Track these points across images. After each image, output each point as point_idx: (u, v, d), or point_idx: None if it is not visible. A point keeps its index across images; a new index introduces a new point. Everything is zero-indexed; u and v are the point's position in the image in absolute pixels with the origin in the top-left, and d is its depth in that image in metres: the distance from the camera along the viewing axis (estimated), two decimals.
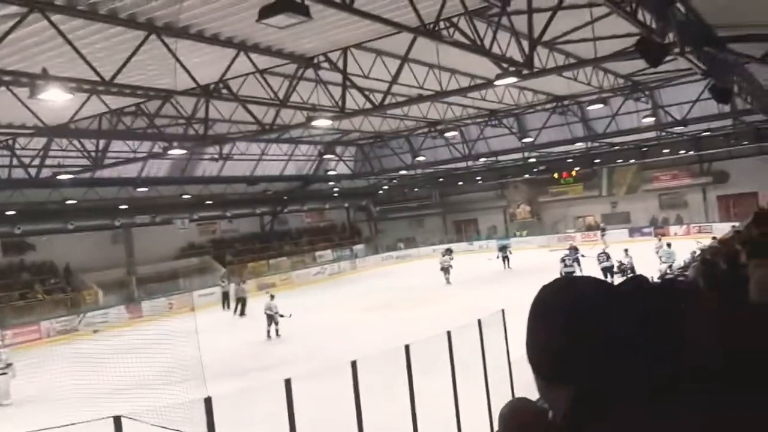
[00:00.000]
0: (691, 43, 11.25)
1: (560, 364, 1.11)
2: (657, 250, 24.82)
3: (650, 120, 25.95)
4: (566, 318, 1.11)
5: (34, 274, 30.54)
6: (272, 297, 22.37)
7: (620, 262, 22.68)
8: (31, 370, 16.41)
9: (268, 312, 21.62)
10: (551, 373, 1.13)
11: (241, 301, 27.81)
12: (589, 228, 43.75)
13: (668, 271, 21.13)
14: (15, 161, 20.63)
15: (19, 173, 21.74)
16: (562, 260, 24.24)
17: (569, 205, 45.73)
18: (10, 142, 19.70)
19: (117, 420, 6.53)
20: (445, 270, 30.57)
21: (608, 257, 23.00)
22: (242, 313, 27.45)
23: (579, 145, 32.61)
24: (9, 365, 15.56)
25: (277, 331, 21.52)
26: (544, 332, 1.14)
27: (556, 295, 1.17)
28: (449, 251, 33.71)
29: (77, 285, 31.03)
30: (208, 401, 6.81)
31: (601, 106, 23.19)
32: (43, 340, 25.25)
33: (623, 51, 13.69)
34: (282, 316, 21.28)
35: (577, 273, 24.11)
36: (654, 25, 11.03)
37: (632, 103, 25.77)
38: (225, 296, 29.96)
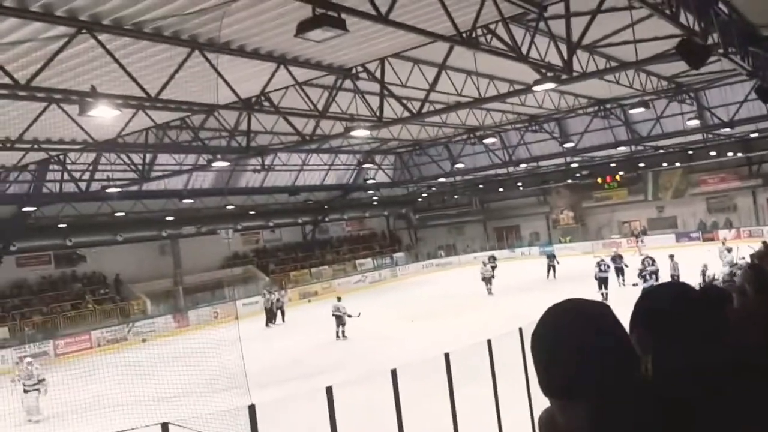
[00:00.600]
0: (734, 43, 11.02)
1: (571, 382, 1.15)
2: (720, 254, 24.36)
3: (696, 122, 25.38)
4: (572, 337, 1.15)
5: (85, 285, 31.47)
6: (339, 299, 23.15)
7: (641, 268, 22.00)
8: (82, 379, 16.91)
9: (336, 313, 22.18)
10: (564, 392, 1.17)
11: (280, 309, 28.10)
12: (644, 233, 42.95)
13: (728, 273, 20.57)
14: (66, 176, 21.34)
15: (69, 187, 22.52)
16: (598, 264, 23.99)
17: (614, 210, 44.96)
18: (61, 157, 20.38)
19: (164, 427, 6.71)
20: (487, 280, 29.17)
21: (653, 262, 22.41)
22: (282, 320, 27.78)
23: (622, 148, 32.06)
24: (41, 381, 15.47)
25: (344, 332, 21.96)
26: (553, 354, 1.19)
27: (558, 318, 1.21)
28: (492, 259, 32.59)
29: (126, 295, 31.86)
30: (252, 409, 6.95)
31: (644, 109, 22.78)
32: (94, 349, 25.96)
33: (665, 53, 13.48)
34: (350, 316, 21.82)
35: (611, 279, 23.83)
36: (696, 27, 10.84)
37: (677, 106, 25.26)
38: (269, 312, 28.65)
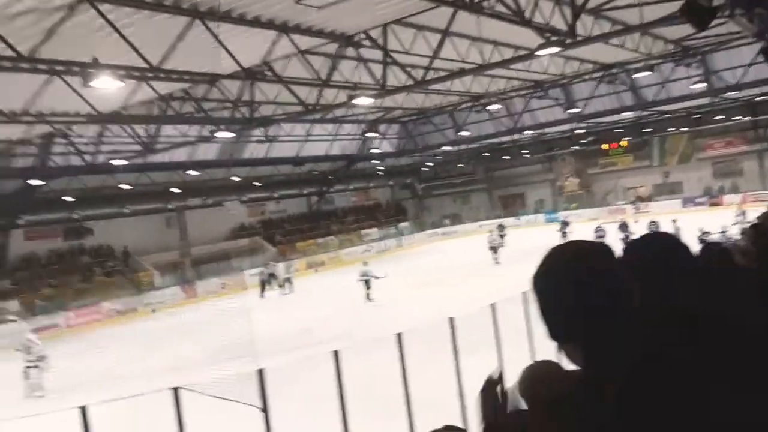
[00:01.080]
0: (741, 4, 10.87)
1: (569, 323, 1.16)
2: (736, 218, 24.60)
3: (702, 86, 25.15)
4: (572, 278, 1.17)
5: (93, 258, 31.72)
6: (365, 263, 24.06)
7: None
8: (93, 349, 17.19)
9: (363, 278, 23.11)
10: (563, 333, 1.19)
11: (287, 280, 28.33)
12: (640, 199, 42.88)
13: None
14: (71, 149, 21.38)
15: (75, 160, 22.59)
16: (596, 230, 24.58)
17: (619, 176, 44.77)
18: (66, 130, 20.40)
19: (176, 391, 6.84)
20: (494, 249, 28.48)
21: (657, 227, 22.62)
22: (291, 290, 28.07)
23: (628, 114, 31.85)
24: (42, 358, 15.05)
25: (368, 295, 22.81)
26: (553, 293, 1.21)
27: (555, 258, 1.24)
28: (501, 227, 32.23)
29: (134, 267, 32.11)
30: (260, 373, 7.07)
31: (650, 73, 22.55)
32: (104, 321, 26.30)
33: (671, 15, 13.31)
34: (377, 278, 22.88)
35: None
36: None
37: (683, 69, 24.96)
38: (264, 283, 29.10)
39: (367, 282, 23.08)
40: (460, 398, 8.58)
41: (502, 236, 30.17)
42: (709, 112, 35.11)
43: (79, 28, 10.37)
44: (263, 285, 28.76)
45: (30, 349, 14.98)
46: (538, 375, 1.29)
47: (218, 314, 15.56)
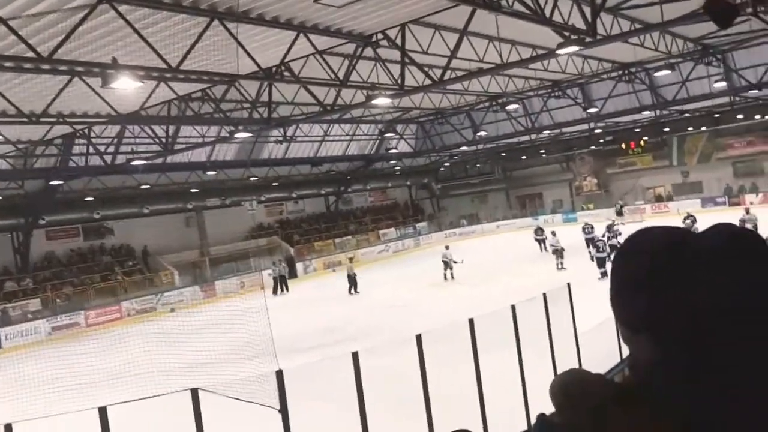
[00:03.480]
0: (764, 1, 10.70)
1: (645, 312, 1.01)
2: (742, 218, 24.07)
3: (722, 85, 24.84)
4: (655, 261, 1.01)
5: (113, 257, 32.02)
6: (447, 247, 26.45)
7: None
8: (112, 347, 17.32)
9: (444, 260, 25.63)
10: (635, 322, 1.04)
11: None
12: (659, 199, 42.45)
13: None
14: (91, 149, 21.60)
15: (95, 161, 22.81)
16: (608, 228, 24.52)
17: (638, 176, 44.35)
18: (86, 131, 20.60)
19: (194, 392, 6.86)
20: (558, 253, 25.43)
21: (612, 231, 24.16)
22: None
23: (647, 113, 31.53)
24: None
25: (452, 275, 25.55)
26: (631, 276, 1.04)
27: (645, 236, 1.08)
28: (540, 231, 30.79)
29: (154, 266, 32.38)
30: (279, 374, 7.08)
31: (669, 72, 22.30)
32: (123, 320, 26.52)
33: (692, 14, 13.15)
34: (456, 262, 25.23)
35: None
36: None
37: (703, 68, 24.69)
38: (279, 280, 29.63)
39: (446, 264, 25.66)
40: (479, 398, 8.54)
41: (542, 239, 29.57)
42: (729, 111, 34.62)
43: (98, 29, 10.45)
44: (276, 283, 29.13)
45: None
46: (576, 381, 1.21)
47: (237, 313, 15.58)
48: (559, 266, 24.57)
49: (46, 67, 11.76)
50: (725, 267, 0.97)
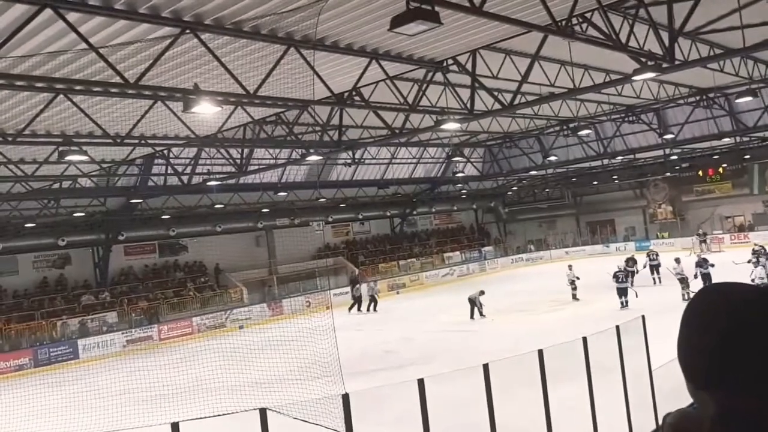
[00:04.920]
0: None
1: (710, 370, 1.05)
2: None
3: None
4: (722, 323, 1.05)
5: (186, 273, 33.07)
6: (570, 267, 25.85)
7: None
8: (184, 362, 17.81)
9: (570, 278, 25.44)
10: (701, 380, 1.08)
11: (373, 300, 28.71)
12: (740, 229, 40.64)
13: None
14: (169, 169, 22.47)
15: (173, 180, 23.71)
16: (699, 264, 22.88)
17: (717, 204, 42.63)
18: (165, 152, 21.47)
19: (263, 412, 6.98)
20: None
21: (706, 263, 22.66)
22: (375, 310, 28.40)
23: (726, 140, 30.33)
24: None
25: (575, 295, 25.26)
26: (697, 335, 1.08)
27: (715, 297, 1.11)
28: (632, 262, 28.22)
29: (225, 283, 33.24)
30: (345, 398, 7.12)
31: (751, 98, 21.44)
32: (194, 335, 27.26)
33: None
34: (578, 278, 25.31)
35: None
36: None
37: None
38: (358, 300, 30.45)
39: (572, 282, 25.37)
40: (548, 430, 8.34)
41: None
42: None
43: (181, 56, 10.92)
44: (369, 302, 29.82)
45: None
46: (683, 423, 1.20)
47: (303, 332, 15.80)
48: (685, 296, 21.61)
49: (131, 92, 12.37)
50: None
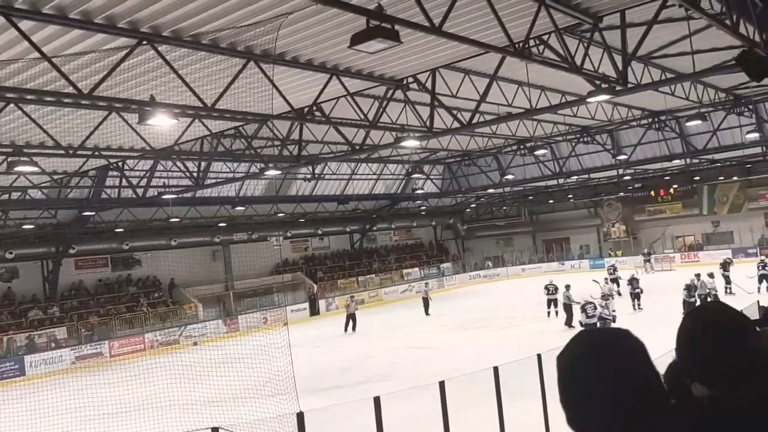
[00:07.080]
0: None
1: (575, 416, 1.26)
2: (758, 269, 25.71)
3: (755, 135, 24.57)
4: (576, 375, 1.26)
5: (139, 288, 32.33)
6: (567, 287, 23.29)
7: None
8: (135, 379, 17.36)
9: (566, 302, 22.82)
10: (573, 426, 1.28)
11: (352, 317, 27.79)
12: (690, 248, 41.83)
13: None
14: (124, 182, 22.02)
15: (127, 193, 23.22)
16: (629, 283, 25.32)
17: (668, 224, 43.82)
18: (120, 164, 21.04)
19: (215, 431, 6.84)
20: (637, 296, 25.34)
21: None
22: (353, 329, 27.61)
23: (677, 161, 31.25)
24: None
25: (570, 322, 22.12)
26: (563, 387, 1.28)
27: (569, 352, 1.31)
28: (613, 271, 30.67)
29: (179, 299, 32.60)
30: (300, 416, 7.03)
31: (700, 122, 22.16)
32: (147, 351, 26.63)
33: (723, 64, 13.14)
34: (577, 303, 21.87)
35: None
36: (757, 37, 10.55)
37: (734, 118, 24.52)
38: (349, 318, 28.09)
39: (567, 306, 22.70)
40: None
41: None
42: (762, 162, 34.18)
43: (137, 67, 10.75)
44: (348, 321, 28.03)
45: None
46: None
47: (259, 349, 15.58)
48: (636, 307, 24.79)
49: (85, 102, 12.11)
50: None
